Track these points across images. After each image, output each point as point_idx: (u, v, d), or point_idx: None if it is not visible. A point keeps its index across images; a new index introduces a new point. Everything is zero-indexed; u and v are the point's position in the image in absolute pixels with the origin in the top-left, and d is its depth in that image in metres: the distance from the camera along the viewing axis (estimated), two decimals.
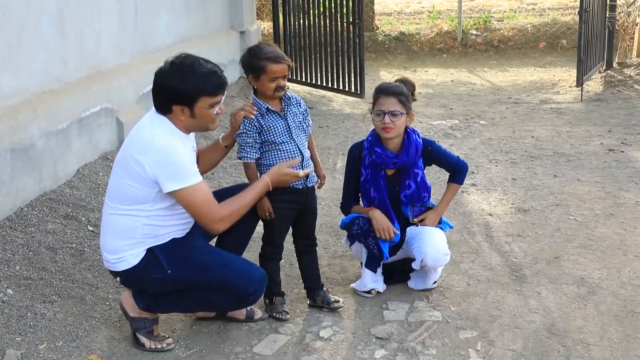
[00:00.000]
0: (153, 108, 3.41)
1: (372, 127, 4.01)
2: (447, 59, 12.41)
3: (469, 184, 5.94)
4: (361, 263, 4.13)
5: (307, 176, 3.74)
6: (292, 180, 3.65)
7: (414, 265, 3.98)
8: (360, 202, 4.14)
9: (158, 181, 3.25)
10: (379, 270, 4.06)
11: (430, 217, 4.04)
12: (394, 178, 3.99)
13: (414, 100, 4.00)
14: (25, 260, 4.09)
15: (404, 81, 4.00)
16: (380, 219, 3.92)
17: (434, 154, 4.06)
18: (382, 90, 3.93)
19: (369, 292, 4.05)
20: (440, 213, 4.09)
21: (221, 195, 3.82)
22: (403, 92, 3.90)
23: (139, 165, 3.26)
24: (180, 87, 3.28)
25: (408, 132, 3.96)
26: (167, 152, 3.25)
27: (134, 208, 3.33)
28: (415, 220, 4.03)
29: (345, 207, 4.15)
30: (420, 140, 3.99)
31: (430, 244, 3.91)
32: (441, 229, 4.06)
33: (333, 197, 5.62)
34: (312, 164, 3.86)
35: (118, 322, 3.73)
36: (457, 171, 4.13)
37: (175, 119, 3.35)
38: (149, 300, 3.49)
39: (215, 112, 3.37)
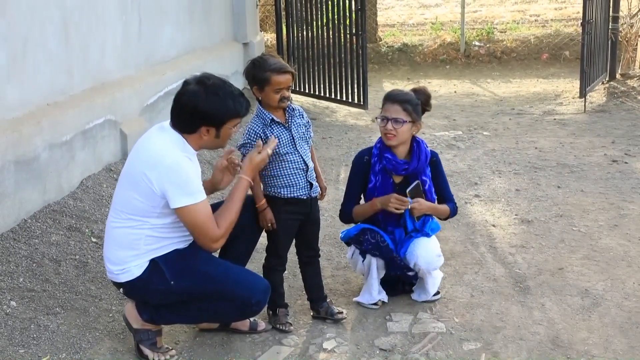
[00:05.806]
0: (163, 123, 3.42)
1: (378, 135, 4.01)
2: (450, 70, 12.44)
3: (472, 194, 5.94)
4: (363, 274, 4.12)
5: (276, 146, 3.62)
6: (265, 160, 3.56)
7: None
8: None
9: (166, 196, 3.26)
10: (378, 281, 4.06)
11: (423, 202, 3.90)
12: (400, 186, 3.98)
13: (427, 110, 3.99)
14: (29, 272, 4.09)
15: (417, 90, 3.98)
16: (384, 199, 3.86)
17: (438, 167, 4.04)
18: (389, 97, 3.93)
19: (375, 303, 4.04)
20: (430, 208, 3.95)
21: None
22: (409, 100, 3.88)
23: (148, 180, 3.27)
24: (218, 109, 3.32)
25: (417, 141, 3.95)
26: (178, 168, 3.27)
27: (138, 220, 3.34)
28: (408, 193, 3.87)
29: (345, 212, 4.09)
30: (429, 150, 4.00)
31: (421, 246, 3.91)
32: (427, 235, 3.99)
33: (336, 208, 5.60)
34: (314, 174, 3.87)
35: (121, 334, 3.72)
36: (448, 202, 4.08)
37: (193, 138, 3.37)
38: (152, 312, 3.49)
39: (235, 131, 3.44)
